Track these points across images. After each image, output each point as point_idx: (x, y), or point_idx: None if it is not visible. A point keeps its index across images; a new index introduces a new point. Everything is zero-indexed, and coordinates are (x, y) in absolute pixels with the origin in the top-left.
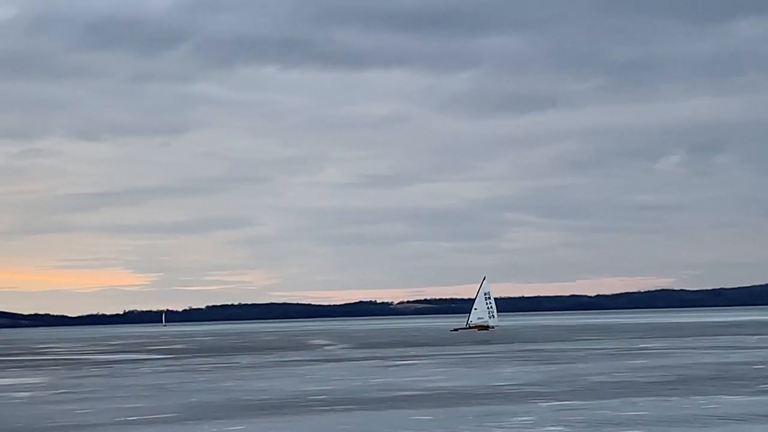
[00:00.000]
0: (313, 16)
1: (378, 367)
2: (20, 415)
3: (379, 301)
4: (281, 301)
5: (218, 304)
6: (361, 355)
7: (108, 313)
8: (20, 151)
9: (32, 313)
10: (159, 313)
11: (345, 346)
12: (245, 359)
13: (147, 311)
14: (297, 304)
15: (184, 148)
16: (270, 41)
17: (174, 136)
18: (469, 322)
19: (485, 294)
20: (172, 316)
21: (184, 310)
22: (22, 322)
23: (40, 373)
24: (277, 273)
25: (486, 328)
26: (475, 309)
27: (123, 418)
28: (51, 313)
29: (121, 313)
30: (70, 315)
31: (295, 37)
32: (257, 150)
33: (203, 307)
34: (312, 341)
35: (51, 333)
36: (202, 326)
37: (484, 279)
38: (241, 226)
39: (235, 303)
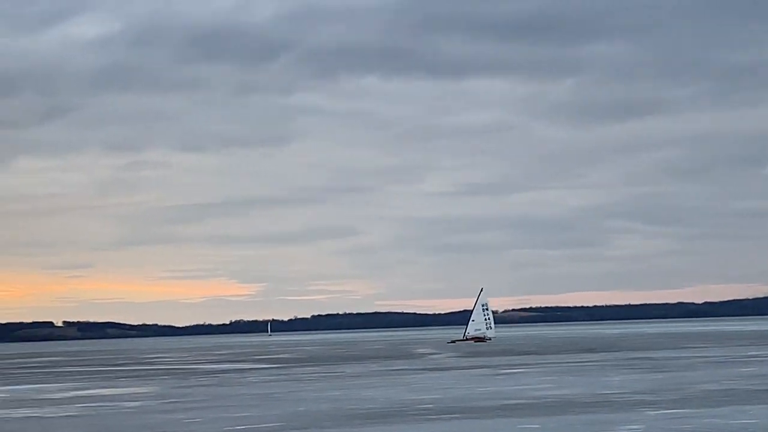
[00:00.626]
0: (414, 26)
1: (484, 375)
2: (130, 424)
3: None
4: (385, 310)
5: (323, 313)
6: (467, 364)
7: (214, 323)
8: (127, 163)
9: (140, 323)
10: (265, 322)
11: (451, 354)
12: (351, 368)
13: (253, 321)
14: (401, 313)
15: (287, 159)
16: (371, 51)
17: (277, 147)
18: (466, 333)
19: (483, 305)
20: (278, 326)
21: (290, 320)
22: (130, 332)
23: (148, 382)
24: (381, 282)
25: (483, 339)
26: (473, 320)
27: (231, 428)
28: (158, 323)
29: (228, 323)
30: (177, 325)
31: (397, 47)
32: (360, 160)
33: (308, 316)
34: (417, 350)
35: (158, 343)
36: (308, 336)
37: (481, 290)
38: (345, 236)
39: (340, 312)
